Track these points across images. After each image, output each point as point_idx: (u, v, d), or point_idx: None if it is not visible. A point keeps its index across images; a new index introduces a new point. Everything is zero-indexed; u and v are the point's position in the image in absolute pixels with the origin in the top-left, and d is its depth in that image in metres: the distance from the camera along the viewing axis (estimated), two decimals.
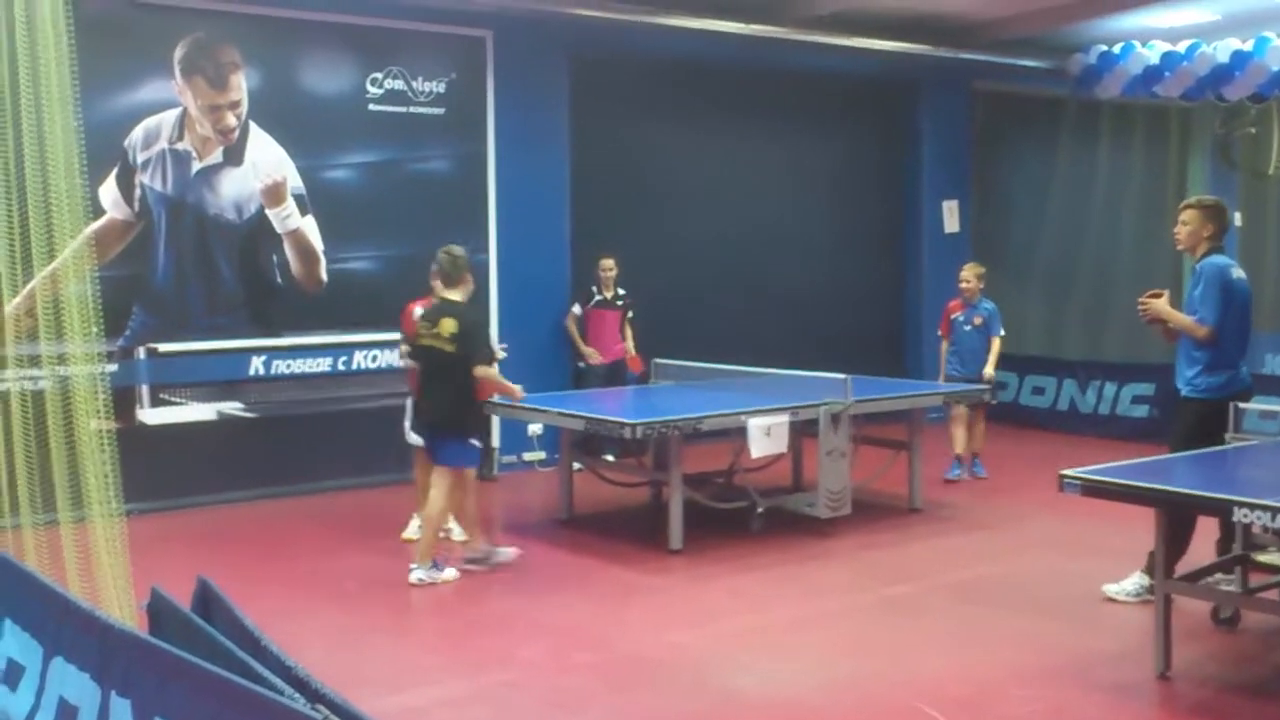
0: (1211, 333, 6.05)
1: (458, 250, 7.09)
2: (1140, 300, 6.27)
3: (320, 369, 9.38)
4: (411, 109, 9.76)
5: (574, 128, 10.63)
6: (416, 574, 6.75)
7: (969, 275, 9.77)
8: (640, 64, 11.02)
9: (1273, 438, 6.32)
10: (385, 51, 9.64)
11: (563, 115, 10.54)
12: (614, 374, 10.23)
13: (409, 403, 7.64)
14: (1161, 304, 6.21)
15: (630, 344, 10.33)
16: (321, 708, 2.74)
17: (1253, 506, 4.53)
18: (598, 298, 10.25)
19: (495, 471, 9.89)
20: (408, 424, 7.66)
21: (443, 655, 5.78)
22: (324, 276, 9.41)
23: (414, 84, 9.74)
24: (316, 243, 9.35)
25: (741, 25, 10.79)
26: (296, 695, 2.82)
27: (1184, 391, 6.22)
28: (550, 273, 10.45)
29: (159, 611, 3.72)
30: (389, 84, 9.64)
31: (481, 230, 10.10)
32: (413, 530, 7.65)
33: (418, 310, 7.35)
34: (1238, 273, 6.21)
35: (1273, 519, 4.48)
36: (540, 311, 10.33)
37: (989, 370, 9.52)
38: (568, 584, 6.91)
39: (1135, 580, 6.24)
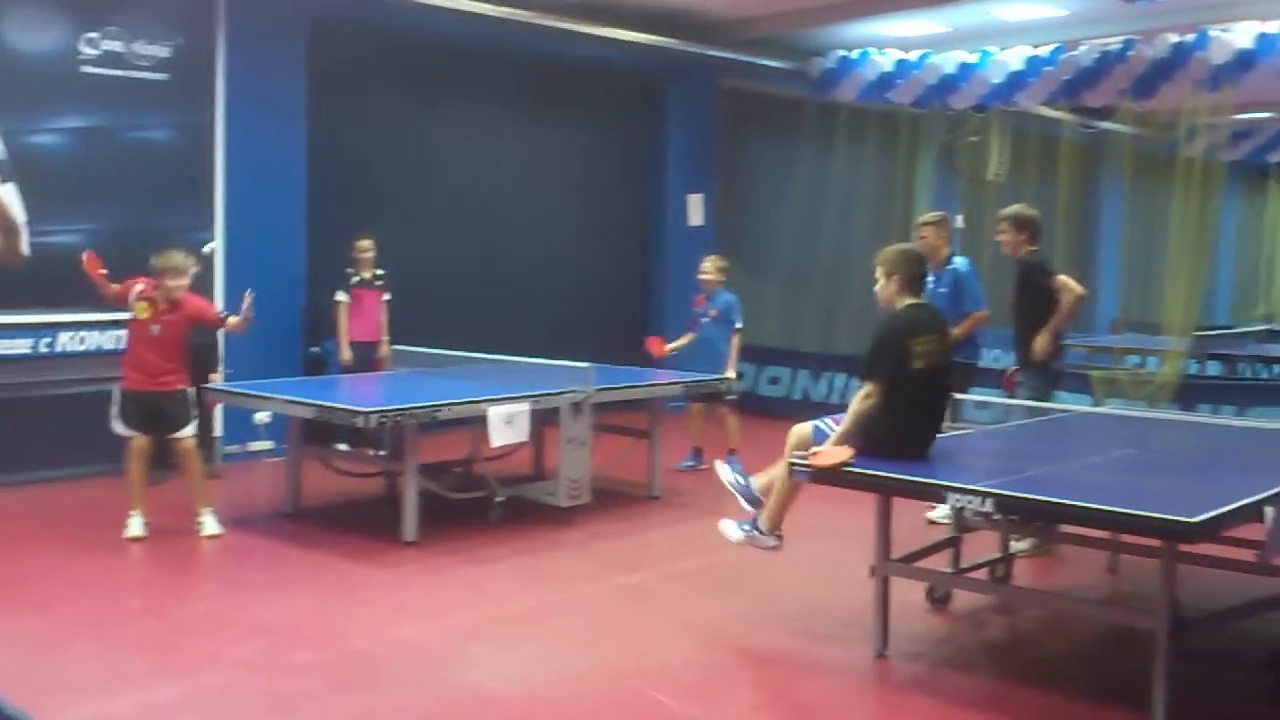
0: None
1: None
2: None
3: (19, 351, 8.58)
4: (131, 73, 9.08)
5: (314, 102, 10.20)
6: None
7: (707, 267, 9.81)
8: (387, 39, 10.69)
9: (985, 426, 6.67)
10: (102, 10, 8.93)
11: (300, 88, 10.09)
12: (371, 354, 9.88)
13: (116, 390, 7.25)
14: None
15: (385, 335, 9.93)
16: None
17: (964, 491, 4.77)
18: (355, 279, 9.86)
19: (218, 462, 9.35)
20: (114, 411, 7.25)
21: (151, 658, 5.39)
22: (25, 250, 8.60)
23: (134, 46, 9.05)
24: (18, 213, 8.49)
25: (491, 7, 10.63)
26: None
27: None
28: (284, 253, 9.98)
29: None
30: (106, 45, 8.93)
31: (206, 205, 9.52)
32: (136, 529, 7.19)
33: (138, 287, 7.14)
34: None
35: (982, 503, 4.72)
36: (273, 293, 9.77)
37: (730, 372, 9.43)
38: (292, 580, 6.60)
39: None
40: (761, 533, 5.74)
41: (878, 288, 5.58)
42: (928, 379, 5.36)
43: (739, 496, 5.90)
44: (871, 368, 5.35)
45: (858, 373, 5.51)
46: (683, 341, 9.88)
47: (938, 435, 5.57)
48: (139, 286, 7.27)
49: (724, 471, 6.00)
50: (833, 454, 5.19)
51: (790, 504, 5.64)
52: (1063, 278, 7.31)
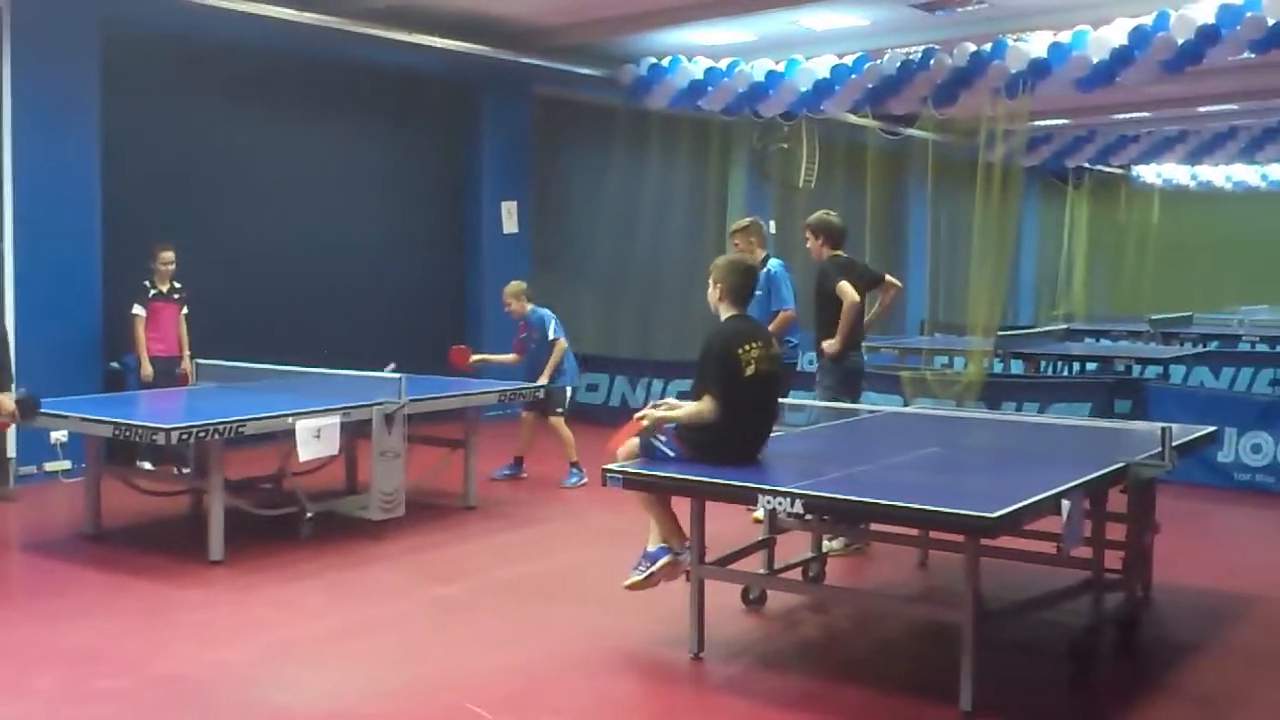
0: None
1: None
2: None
3: None
4: None
5: (111, 108, 9.72)
6: None
7: (506, 298, 9.65)
8: (188, 46, 10.31)
9: (798, 428, 6.80)
10: None
11: (93, 94, 9.59)
12: (172, 369, 9.48)
13: None
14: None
15: (186, 349, 9.57)
16: None
17: (775, 493, 4.85)
18: (153, 291, 9.45)
19: (11, 484, 8.83)
20: None
21: None
22: None
23: None
24: None
25: (294, 12, 10.33)
26: None
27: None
28: (78, 263, 9.47)
29: None
30: None
31: None
32: None
33: None
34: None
35: (792, 504, 4.82)
36: (66, 306, 9.36)
37: (543, 378, 9.35)
38: (93, 604, 6.27)
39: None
40: (674, 551, 5.52)
41: (709, 294, 5.71)
42: (758, 385, 5.45)
43: (653, 566, 5.55)
44: (705, 383, 5.42)
45: (694, 390, 5.54)
46: (500, 358, 9.75)
47: (769, 439, 5.65)
48: None
49: (635, 575, 5.64)
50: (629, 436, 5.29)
51: (670, 515, 5.49)
52: (842, 284, 7.48)
